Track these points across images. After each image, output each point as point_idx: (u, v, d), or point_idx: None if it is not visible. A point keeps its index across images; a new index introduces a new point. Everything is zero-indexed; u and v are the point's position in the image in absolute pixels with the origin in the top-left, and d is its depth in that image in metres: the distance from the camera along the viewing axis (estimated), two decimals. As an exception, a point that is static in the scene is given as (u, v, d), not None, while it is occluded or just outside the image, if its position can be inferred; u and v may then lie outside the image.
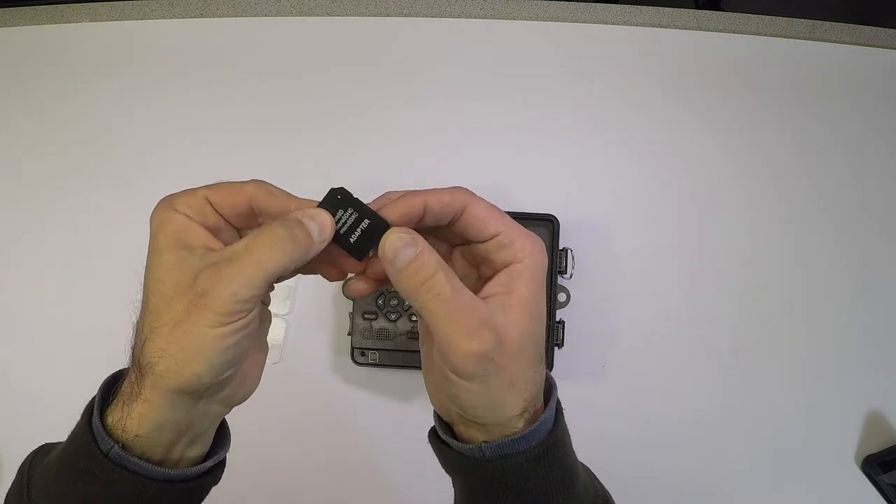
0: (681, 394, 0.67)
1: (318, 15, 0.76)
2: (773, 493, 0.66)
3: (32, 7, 0.77)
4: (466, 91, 0.73)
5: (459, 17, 0.76)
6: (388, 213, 0.34)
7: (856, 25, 0.77)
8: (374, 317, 0.65)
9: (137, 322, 0.33)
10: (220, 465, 0.36)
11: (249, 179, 0.34)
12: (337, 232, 0.33)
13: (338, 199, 0.33)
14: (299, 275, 0.35)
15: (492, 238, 0.34)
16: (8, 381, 0.69)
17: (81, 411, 0.34)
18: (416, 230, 0.33)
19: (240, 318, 0.31)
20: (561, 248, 0.66)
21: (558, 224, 0.66)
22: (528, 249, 0.34)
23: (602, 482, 0.43)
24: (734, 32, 0.76)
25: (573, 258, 0.67)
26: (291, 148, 0.71)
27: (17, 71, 0.75)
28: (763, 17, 0.77)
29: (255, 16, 0.77)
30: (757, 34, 0.76)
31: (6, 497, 0.36)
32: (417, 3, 0.77)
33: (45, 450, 0.36)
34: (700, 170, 0.72)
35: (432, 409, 0.38)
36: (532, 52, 0.74)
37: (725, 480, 0.67)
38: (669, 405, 0.67)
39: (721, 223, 0.71)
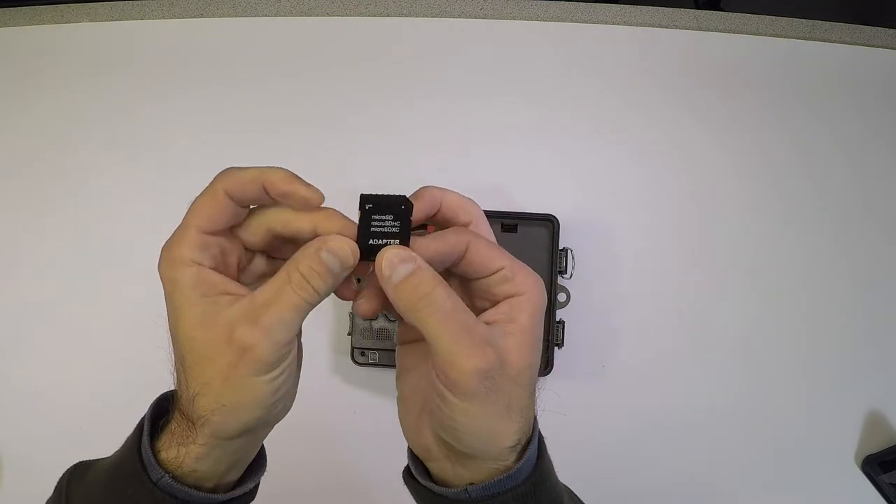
0: (681, 394, 0.67)
1: (318, 15, 0.76)
2: (773, 493, 0.66)
3: (32, 7, 0.77)
4: (466, 91, 0.73)
5: (459, 17, 0.76)
6: None
7: (856, 25, 0.77)
8: (374, 317, 0.65)
9: (177, 374, 0.33)
10: (258, 484, 0.39)
11: (256, 168, 0.33)
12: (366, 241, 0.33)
13: (370, 209, 0.33)
14: None
15: (496, 272, 0.34)
16: (8, 381, 0.69)
17: (128, 436, 0.35)
18: None
19: (285, 359, 0.32)
20: (561, 248, 0.66)
21: (558, 224, 0.66)
22: (530, 283, 0.34)
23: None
24: (734, 32, 0.76)
25: (573, 258, 0.67)
26: (291, 148, 0.71)
27: (17, 71, 0.75)
28: (763, 17, 0.77)
29: (255, 16, 0.77)
30: (757, 34, 0.76)
31: None
32: (417, 3, 0.77)
33: (82, 468, 0.37)
34: (700, 170, 0.72)
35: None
36: (532, 52, 0.74)
37: (725, 480, 0.67)
38: (669, 405, 0.67)
39: (721, 223, 0.71)
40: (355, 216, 0.34)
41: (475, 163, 0.72)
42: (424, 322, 0.31)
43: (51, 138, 0.73)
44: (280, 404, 0.33)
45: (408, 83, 0.74)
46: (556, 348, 0.65)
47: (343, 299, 0.36)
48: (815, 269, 0.70)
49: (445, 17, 0.76)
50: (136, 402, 0.37)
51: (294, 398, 0.36)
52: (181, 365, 0.32)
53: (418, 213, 0.34)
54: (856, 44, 0.76)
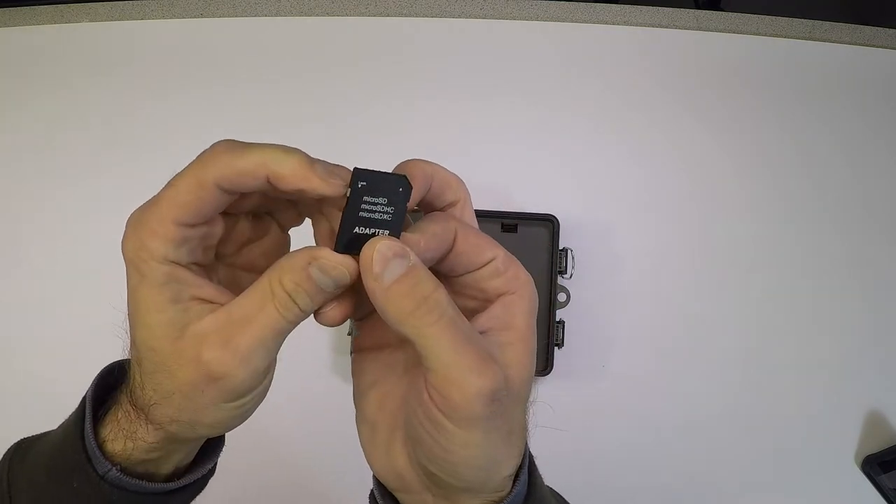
0: (681, 394, 0.67)
1: (318, 15, 0.76)
2: (773, 493, 0.66)
3: (32, 7, 0.77)
4: (466, 91, 0.73)
5: (459, 17, 0.76)
6: None
7: (856, 25, 0.77)
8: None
9: (132, 369, 0.29)
10: (216, 463, 0.35)
11: (260, 151, 0.26)
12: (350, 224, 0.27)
13: (363, 188, 0.27)
14: None
15: (486, 265, 0.29)
16: (11, 381, 0.68)
17: (71, 413, 0.32)
18: None
19: (260, 384, 0.28)
20: (561, 248, 0.66)
21: (558, 224, 0.66)
22: (522, 278, 0.29)
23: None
24: (734, 32, 0.76)
25: (573, 258, 0.67)
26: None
27: (17, 71, 0.75)
28: (763, 17, 0.77)
29: (255, 16, 0.77)
30: (757, 34, 0.76)
31: None
32: (417, 3, 0.77)
33: (23, 448, 0.33)
34: (700, 169, 0.72)
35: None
36: (532, 52, 0.74)
37: (725, 480, 0.67)
38: (669, 405, 0.67)
39: (721, 223, 0.71)
40: None
41: (475, 163, 0.71)
42: (422, 332, 0.26)
43: (51, 138, 0.73)
44: (247, 416, 0.29)
45: (408, 83, 0.74)
46: (556, 348, 0.65)
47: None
48: (815, 269, 0.70)
49: (445, 17, 0.76)
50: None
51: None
52: (138, 365, 0.28)
53: (413, 196, 0.28)
54: (856, 44, 0.76)
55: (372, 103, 0.73)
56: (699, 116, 0.73)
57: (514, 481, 0.29)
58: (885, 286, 0.69)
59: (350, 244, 0.27)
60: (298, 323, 0.28)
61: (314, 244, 0.30)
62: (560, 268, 0.66)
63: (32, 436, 0.35)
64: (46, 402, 0.68)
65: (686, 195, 0.71)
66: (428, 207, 0.30)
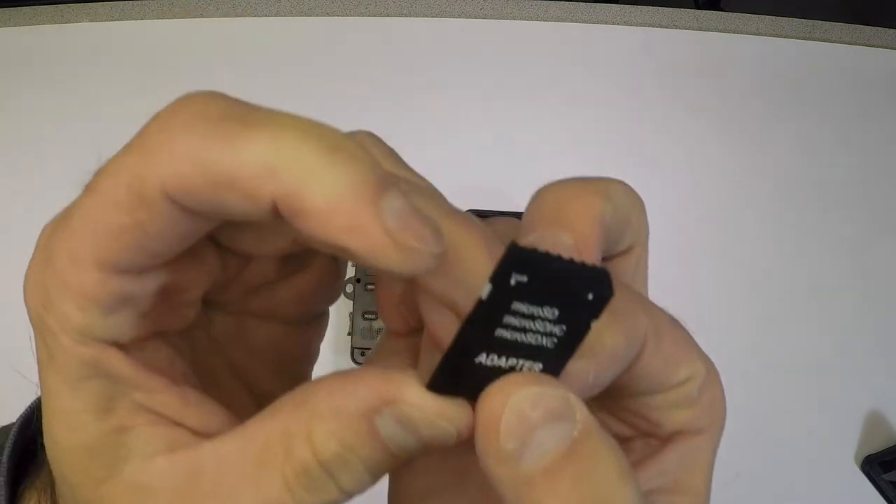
0: (681, 394, 0.67)
1: (318, 15, 0.76)
2: (772, 492, 0.66)
3: (32, 7, 0.77)
4: (466, 91, 0.73)
5: (459, 17, 0.76)
6: None
7: (856, 25, 0.77)
8: (374, 317, 0.65)
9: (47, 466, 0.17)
10: None
11: (266, 143, 0.14)
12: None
13: (518, 286, 0.13)
14: None
15: (674, 388, 0.17)
16: (15, 381, 0.68)
17: None
18: None
19: None
20: (561, 248, 0.66)
21: (558, 224, 0.66)
22: (718, 410, 0.18)
23: None
24: (734, 32, 0.76)
25: (573, 258, 0.67)
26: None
27: (17, 71, 0.75)
28: (763, 17, 0.77)
29: (255, 16, 0.77)
30: (757, 34, 0.76)
31: None
32: (417, 3, 0.76)
33: None
34: (699, 169, 0.72)
35: None
36: (532, 52, 0.74)
37: (725, 480, 0.66)
38: (669, 405, 0.67)
39: (720, 223, 0.71)
40: None
41: (475, 163, 0.71)
42: None
43: (51, 138, 0.73)
44: None
45: (407, 83, 0.74)
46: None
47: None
48: (815, 269, 0.70)
49: (445, 17, 0.76)
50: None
51: None
52: (53, 471, 0.16)
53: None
54: (856, 44, 0.76)
55: (371, 103, 0.73)
56: (699, 116, 0.73)
57: None
58: (885, 286, 0.69)
59: (460, 379, 0.14)
60: None
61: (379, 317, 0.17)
62: (560, 268, 0.66)
63: None
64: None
65: (686, 195, 0.71)
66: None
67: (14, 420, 0.21)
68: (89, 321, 0.14)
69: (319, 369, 0.20)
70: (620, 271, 0.19)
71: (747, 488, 0.66)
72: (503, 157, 0.72)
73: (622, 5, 0.76)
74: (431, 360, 0.15)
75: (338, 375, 0.14)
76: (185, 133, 0.13)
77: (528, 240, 0.16)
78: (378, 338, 0.65)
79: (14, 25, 0.77)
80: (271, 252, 0.17)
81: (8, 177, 0.73)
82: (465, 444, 0.15)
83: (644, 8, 0.77)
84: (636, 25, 0.76)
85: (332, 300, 0.20)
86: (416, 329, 0.17)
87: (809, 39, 0.76)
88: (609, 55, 0.74)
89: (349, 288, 0.63)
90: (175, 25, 0.76)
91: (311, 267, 0.18)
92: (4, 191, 0.72)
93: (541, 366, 0.15)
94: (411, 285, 0.16)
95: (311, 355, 0.21)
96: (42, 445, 0.16)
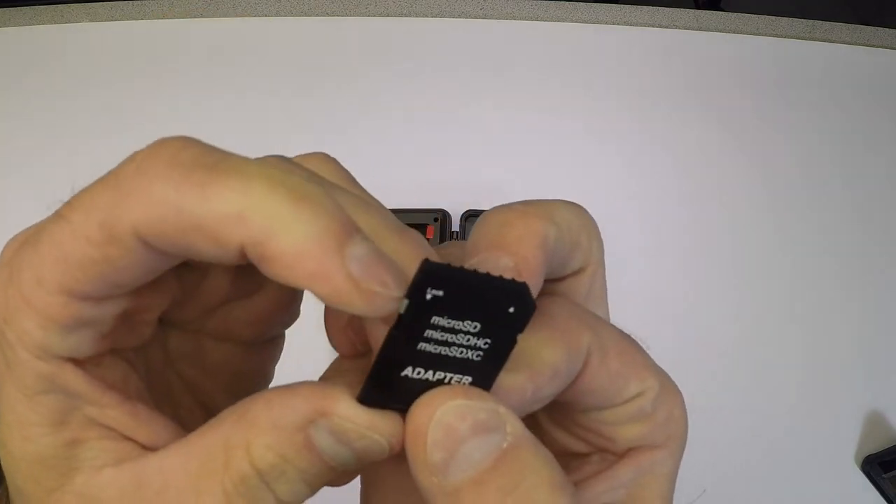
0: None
1: (318, 15, 0.76)
2: (772, 492, 0.66)
3: (32, 7, 0.77)
4: (466, 91, 0.73)
5: (459, 17, 0.76)
6: None
7: (856, 25, 0.77)
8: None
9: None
10: None
11: (237, 191, 0.14)
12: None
13: (435, 300, 0.14)
14: None
15: (626, 402, 0.18)
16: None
17: None
18: None
19: None
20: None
21: (558, 224, 0.66)
22: (676, 424, 0.19)
23: None
24: (734, 32, 0.76)
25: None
26: (290, 148, 0.71)
27: (18, 71, 0.75)
28: (763, 17, 0.77)
29: (255, 16, 0.77)
30: (757, 34, 0.76)
31: None
32: (417, 3, 0.76)
33: None
34: (699, 170, 0.72)
35: None
36: (532, 52, 0.74)
37: (724, 481, 0.67)
38: (669, 405, 0.67)
39: (720, 223, 0.71)
40: None
41: (473, 162, 0.72)
42: None
43: (50, 138, 0.73)
44: None
45: (407, 83, 0.74)
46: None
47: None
48: (815, 269, 0.70)
49: (445, 17, 0.76)
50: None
51: None
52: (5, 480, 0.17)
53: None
54: (856, 44, 0.76)
55: (371, 103, 0.73)
56: (699, 116, 0.73)
57: None
58: (885, 286, 0.69)
59: (390, 392, 0.15)
60: None
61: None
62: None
63: None
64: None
65: (686, 195, 0.71)
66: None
67: None
68: (49, 339, 0.14)
69: (320, 368, 0.20)
70: (573, 291, 0.19)
71: (747, 488, 0.66)
72: (501, 155, 0.72)
73: (622, 5, 0.76)
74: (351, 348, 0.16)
75: (277, 389, 0.15)
76: (159, 179, 0.14)
77: (471, 263, 0.16)
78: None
79: (14, 25, 0.77)
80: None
81: (7, 177, 0.73)
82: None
83: (644, 8, 0.77)
84: (636, 25, 0.76)
85: (289, 323, 0.20)
86: (364, 353, 0.17)
87: (809, 39, 0.76)
88: (609, 55, 0.74)
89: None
90: (175, 25, 0.76)
91: (268, 289, 0.19)
92: (4, 189, 0.72)
93: (470, 379, 0.15)
94: None
95: (265, 377, 0.21)
96: None
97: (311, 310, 0.20)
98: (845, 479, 0.66)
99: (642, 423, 0.18)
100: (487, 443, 0.14)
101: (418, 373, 0.15)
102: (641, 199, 0.71)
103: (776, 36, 0.76)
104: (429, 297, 0.14)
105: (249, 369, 0.20)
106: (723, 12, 0.77)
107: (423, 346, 0.14)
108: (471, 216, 0.66)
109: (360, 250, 0.13)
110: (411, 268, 0.14)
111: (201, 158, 0.14)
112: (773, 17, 0.77)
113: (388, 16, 0.76)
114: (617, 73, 0.74)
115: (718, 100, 0.73)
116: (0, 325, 0.15)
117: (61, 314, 0.14)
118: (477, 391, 0.15)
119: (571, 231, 0.17)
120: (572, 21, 0.76)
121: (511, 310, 0.14)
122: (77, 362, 0.15)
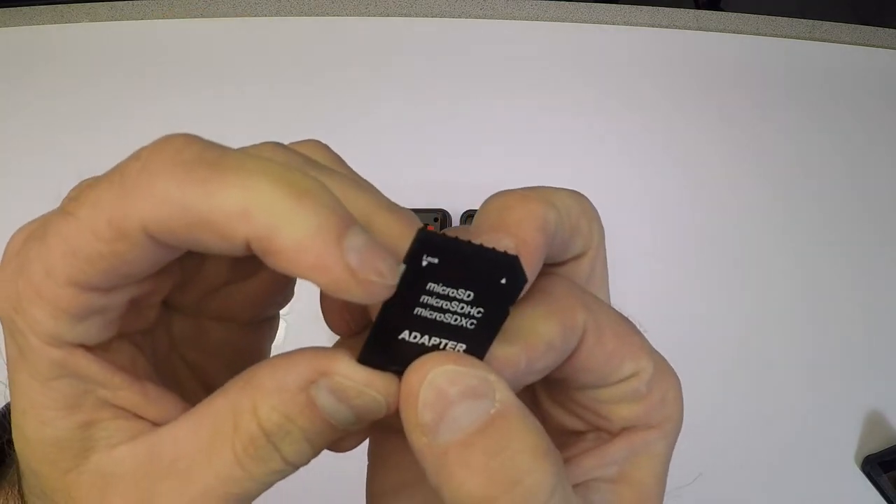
0: (681, 394, 0.67)
1: (318, 15, 0.76)
2: (773, 493, 0.66)
3: (32, 7, 0.77)
4: (466, 91, 0.73)
5: (459, 17, 0.76)
6: None
7: (856, 25, 0.77)
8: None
9: (15, 458, 0.18)
10: None
11: (240, 187, 0.14)
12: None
13: (430, 267, 0.15)
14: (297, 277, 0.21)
15: (620, 382, 0.18)
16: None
17: None
18: None
19: None
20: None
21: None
22: (671, 405, 0.19)
23: None
24: (734, 32, 0.76)
25: (573, 258, 0.67)
26: (291, 148, 0.71)
27: (18, 71, 0.75)
28: (763, 17, 0.77)
29: (255, 16, 0.77)
30: (757, 34, 0.76)
31: None
32: (417, 3, 0.76)
33: None
34: (699, 170, 0.72)
35: None
36: (532, 52, 0.74)
37: (724, 481, 0.67)
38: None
39: (720, 223, 0.71)
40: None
41: (474, 162, 0.71)
42: None
43: (51, 138, 0.73)
44: None
45: (407, 83, 0.74)
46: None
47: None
48: (815, 269, 0.70)
49: (445, 17, 0.76)
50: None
51: None
52: (19, 467, 0.18)
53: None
54: (856, 44, 0.76)
55: (371, 103, 0.73)
56: (699, 116, 0.73)
57: None
58: (884, 286, 0.69)
59: (388, 355, 0.16)
60: (279, 480, 0.17)
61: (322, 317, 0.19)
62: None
63: None
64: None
65: (685, 195, 0.71)
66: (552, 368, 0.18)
67: None
68: (60, 328, 0.15)
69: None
70: (574, 275, 0.19)
71: (747, 488, 0.66)
72: (501, 155, 0.72)
73: (622, 5, 0.76)
74: (349, 329, 0.18)
75: (280, 356, 0.16)
76: (163, 176, 0.14)
77: None
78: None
79: (14, 25, 0.77)
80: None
81: (8, 176, 0.73)
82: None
83: (644, 8, 0.77)
84: (636, 25, 0.76)
85: (284, 303, 0.21)
86: (358, 332, 0.19)
87: (809, 39, 0.76)
88: (609, 55, 0.74)
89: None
90: (175, 25, 0.76)
91: (264, 272, 0.20)
92: (4, 189, 0.72)
93: (464, 346, 0.16)
94: None
95: (262, 355, 0.22)
96: (10, 442, 0.17)
97: (311, 298, 0.20)
98: (845, 479, 0.66)
99: (637, 404, 0.18)
100: (476, 408, 0.15)
101: (415, 337, 0.15)
102: (641, 198, 0.71)
103: (776, 36, 0.76)
104: (424, 263, 0.14)
105: (248, 348, 0.21)
106: (723, 12, 0.77)
107: (419, 310, 0.15)
108: (471, 216, 0.66)
109: (357, 241, 0.14)
110: (404, 243, 0.14)
111: (204, 155, 0.14)
112: (774, 17, 0.77)
113: (388, 16, 0.76)
114: (617, 73, 0.74)
115: (718, 100, 0.73)
116: (12, 314, 0.15)
117: (71, 304, 0.15)
118: (469, 358, 0.15)
119: (571, 216, 0.18)
120: (572, 21, 0.76)
121: (503, 281, 0.15)
122: (87, 347, 0.16)
